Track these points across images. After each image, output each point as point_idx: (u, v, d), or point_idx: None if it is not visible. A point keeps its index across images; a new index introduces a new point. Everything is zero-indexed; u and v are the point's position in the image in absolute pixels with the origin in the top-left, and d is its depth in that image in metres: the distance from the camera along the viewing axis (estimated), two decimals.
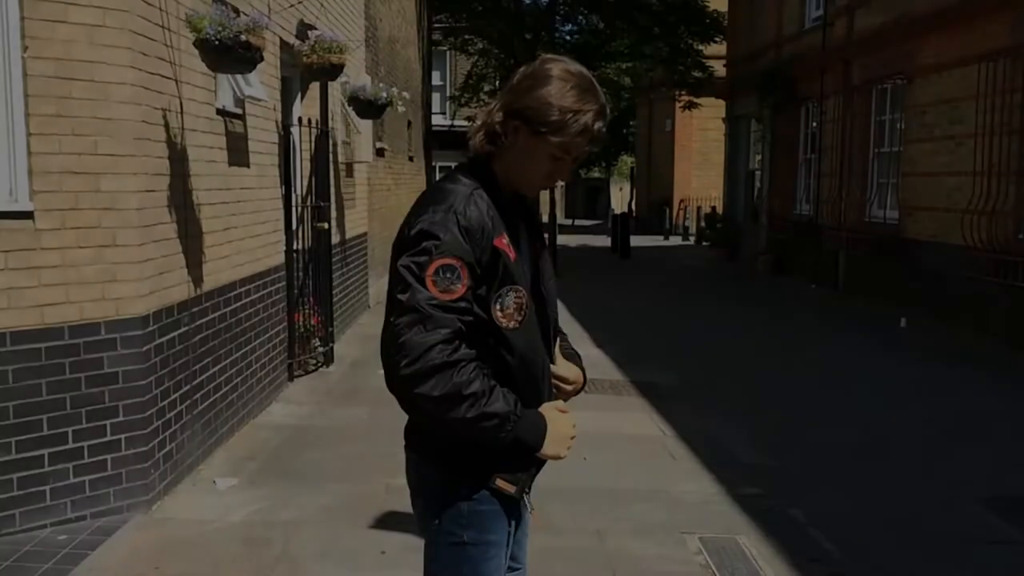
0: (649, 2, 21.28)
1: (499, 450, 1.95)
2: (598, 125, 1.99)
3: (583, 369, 2.32)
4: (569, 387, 2.26)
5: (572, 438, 2.06)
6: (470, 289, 1.91)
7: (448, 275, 1.88)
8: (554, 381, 2.20)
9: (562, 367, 2.25)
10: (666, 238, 28.11)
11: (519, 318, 1.99)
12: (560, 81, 1.98)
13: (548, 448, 2.00)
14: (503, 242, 1.97)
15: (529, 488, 2.11)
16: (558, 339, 2.31)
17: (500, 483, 2.01)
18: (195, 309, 4.95)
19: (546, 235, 2.35)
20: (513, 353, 1.99)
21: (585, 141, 2.00)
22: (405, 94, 9.60)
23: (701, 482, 5.11)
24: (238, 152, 5.77)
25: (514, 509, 2.11)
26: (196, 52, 4.66)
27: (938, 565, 4.07)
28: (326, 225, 7.70)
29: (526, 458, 2.02)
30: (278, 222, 6.75)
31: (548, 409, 2.05)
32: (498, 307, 1.96)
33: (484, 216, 1.95)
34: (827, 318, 11.74)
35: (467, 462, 2.01)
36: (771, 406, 6.96)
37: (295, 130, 7.38)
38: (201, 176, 5.03)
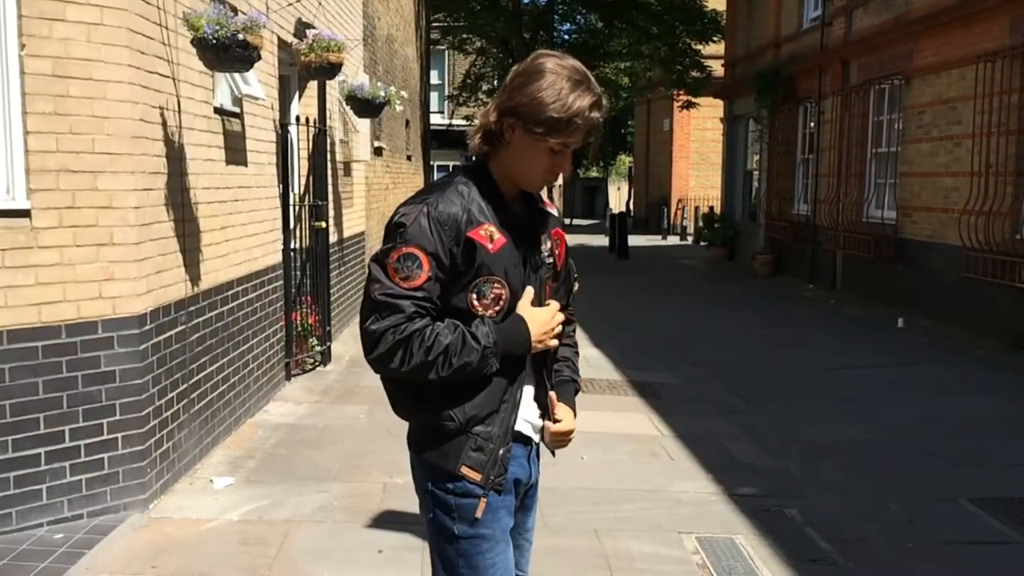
0: (647, 2, 21.34)
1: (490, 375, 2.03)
2: (594, 115, 1.99)
3: (574, 407, 2.30)
4: (561, 434, 2.23)
5: (553, 327, 2.11)
6: (433, 280, 1.97)
7: (409, 263, 1.95)
8: (551, 433, 2.21)
9: (559, 411, 2.24)
10: (664, 238, 28.13)
11: (496, 308, 2.03)
12: (552, 75, 1.97)
13: (537, 346, 2.08)
14: (479, 233, 2.00)
15: (498, 478, 2.08)
16: (561, 362, 2.31)
17: (465, 470, 2.04)
18: (192, 308, 4.94)
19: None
20: None
21: (583, 134, 2.01)
22: (403, 93, 9.59)
23: (698, 482, 5.11)
24: (236, 151, 5.76)
25: (506, 501, 2.11)
26: (194, 51, 4.66)
27: (935, 565, 4.07)
28: (324, 224, 7.70)
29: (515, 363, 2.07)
30: (276, 221, 6.74)
31: (523, 308, 2.08)
32: (474, 296, 2.01)
33: (459, 208, 1.99)
34: (824, 318, 11.74)
35: (440, 454, 2.06)
36: (768, 406, 6.96)
37: (293, 129, 7.37)
38: (199, 175, 5.03)
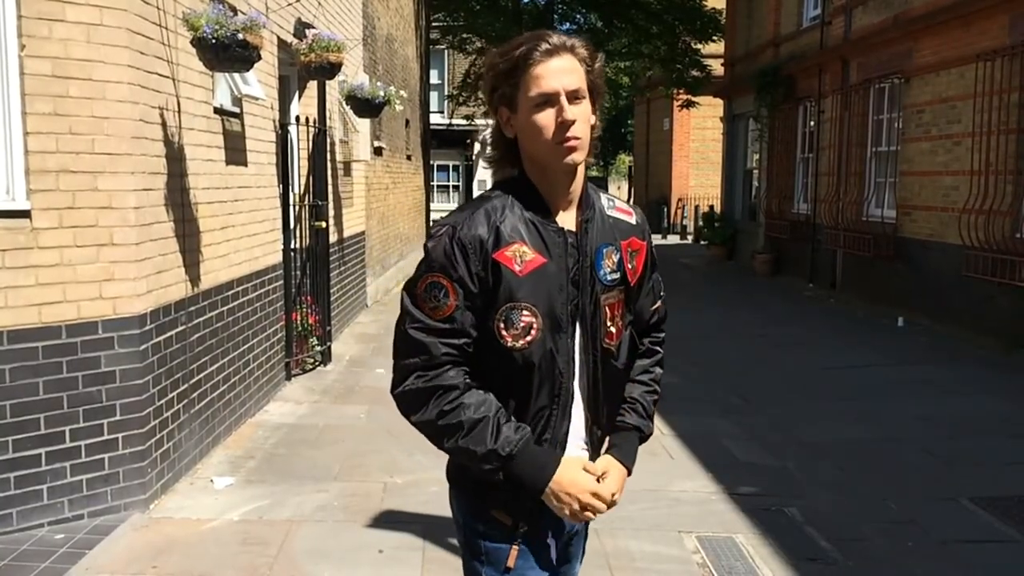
0: (647, 1, 21.33)
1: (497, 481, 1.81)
2: (542, 45, 1.80)
3: (629, 463, 1.98)
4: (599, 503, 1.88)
5: (585, 506, 1.80)
6: (461, 308, 1.79)
7: (435, 292, 1.79)
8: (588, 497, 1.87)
9: (599, 467, 1.92)
10: (664, 237, 28.11)
11: (528, 339, 1.81)
12: (491, 54, 1.90)
13: (550, 499, 1.80)
14: (505, 254, 1.79)
15: (535, 524, 1.88)
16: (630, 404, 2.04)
17: (496, 514, 1.87)
18: (192, 308, 4.94)
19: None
20: (516, 366, 1.83)
21: (556, 70, 1.79)
22: (403, 93, 9.59)
23: (699, 481, 5.11)
24: (236, 151, 5.77)
25: (542, 549, 1.91)
26: (193, 51, 4.66)
27: (934, 564, 4.07)
28: (324, 224, 7.70)
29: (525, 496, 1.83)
30: (276, 221, 6.74)
31: (572, 462, 1.83)
32: (502, 324, 1.81)
33: (486, 228, 1.80)
34: (824, 317, 11.74)
35: (472, 492, 1.91)
36: (768, 405, 6.96)
37: (293, 129, 7.37)
38: (199, 175, 5.03)
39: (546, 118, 1.79)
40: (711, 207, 23.65)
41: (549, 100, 1.79)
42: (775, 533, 4.35)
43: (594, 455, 1.96)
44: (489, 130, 1.97)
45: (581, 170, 1.88)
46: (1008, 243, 9.10)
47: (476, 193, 32.87)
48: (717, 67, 21.74)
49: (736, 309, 12.48)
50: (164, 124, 4.56)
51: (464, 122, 28.04)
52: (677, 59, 21.86)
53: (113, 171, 4.14)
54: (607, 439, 2.00)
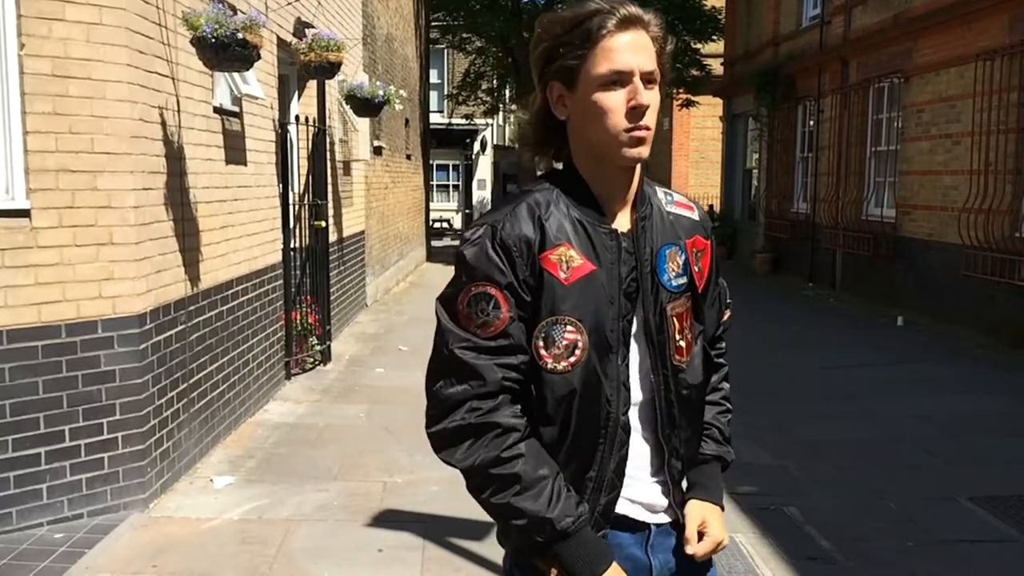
0: (647, 1, 21.32)
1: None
2: (619, 11, 1.53)
3: (719, 500, 1.72)
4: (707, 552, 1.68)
5: None
6: (515, 319, 1.51)
7: (483, 304, 1.50)
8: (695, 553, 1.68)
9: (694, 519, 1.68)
10: None
11: (571, 360, 1.53)
12: (548, 15, 1.61)
13: None
14: (549, 258, 1.53)
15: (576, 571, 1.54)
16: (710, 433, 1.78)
17: (538, 562, 1.57)
18: (192, 307, 4.94)
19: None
20: (555, 392, 1.55)
21: (613, 41, 1.52)
22: (402, 92, 9.59)
23: None
24: (235, 150, 5.77)
25: None
26: (193, 50, 4.66)
27: (934, 563, 4.07)
28: (323, 223, 7.70)
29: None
30: (275, 220, 6.74)
31: (619, 573, 1.55)
32: (542, 342, 1.53)
33: (532, 226, 1.53)
34: (824, 317, 11.75)
35: (512, 537, 1.62)
36: (768, 405, 6.96)
37: (292, 128, 7.37)
38: (198, 174, 5.03)
39: (614, 100, 1.52)
40: (711, 206, 23.64)
41: (621, 79, 1.52)
42: (775, 533, 4.35)
43: (674, 494, 1.68)
44: (528, 107, 1.68)
45: (638, 168, 1.62)
46: (1008, 242, 9.11)
47: (475, 193, 32.99)
48: (717, 67, 21.75)
49: (735, 309, 12.47)
50: (163, 123, 4.56)
51: (464, 122, 28.05)
52: (677, 59, 21.86)
53: (112, 170, 4.14)
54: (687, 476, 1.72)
